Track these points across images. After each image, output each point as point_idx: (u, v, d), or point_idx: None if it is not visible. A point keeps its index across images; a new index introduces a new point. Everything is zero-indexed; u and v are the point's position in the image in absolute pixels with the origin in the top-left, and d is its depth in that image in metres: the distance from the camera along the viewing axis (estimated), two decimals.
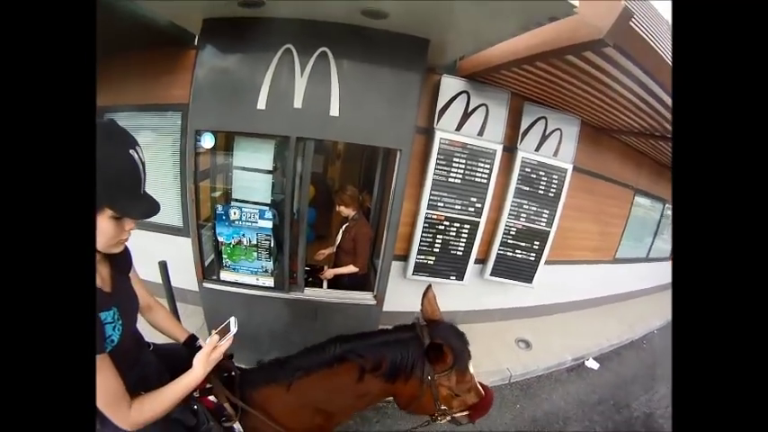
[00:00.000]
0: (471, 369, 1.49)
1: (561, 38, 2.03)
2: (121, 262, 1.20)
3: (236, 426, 1.41)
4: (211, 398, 1.42)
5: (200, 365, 1.20)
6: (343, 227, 3.12)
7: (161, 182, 3.64)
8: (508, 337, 4.17)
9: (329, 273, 3.07)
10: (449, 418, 1.55)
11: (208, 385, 1.46)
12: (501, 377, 3.63)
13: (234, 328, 1.29)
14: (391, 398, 1.54)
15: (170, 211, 3.66)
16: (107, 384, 1.00)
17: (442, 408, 1.48)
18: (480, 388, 1.53)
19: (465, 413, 1.55)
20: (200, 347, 1.45)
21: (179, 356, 1.40)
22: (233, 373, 1.46)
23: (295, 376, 1.41)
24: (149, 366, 1.29)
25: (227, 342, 1.25)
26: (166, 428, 1.27)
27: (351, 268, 3.01)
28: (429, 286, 1.63)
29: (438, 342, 1.37)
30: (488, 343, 3.95)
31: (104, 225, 0.94)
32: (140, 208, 0.98)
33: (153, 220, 3.59)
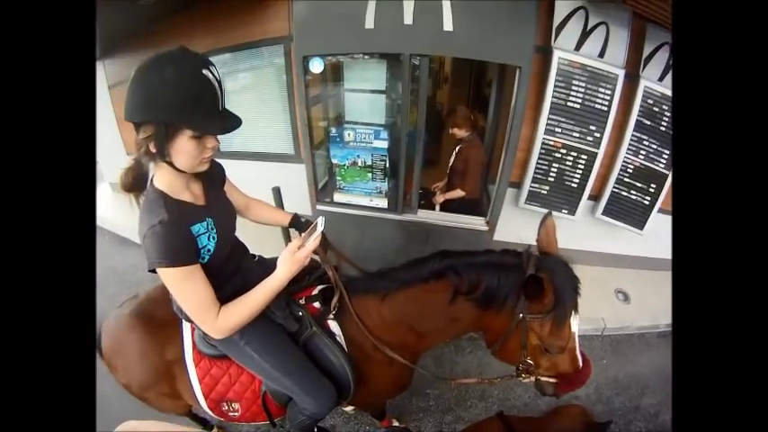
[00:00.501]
0: (574, 327, 1.29)
1: None
2: (214, 177, 1.25)
3: (337, 330, 1.45)
4: (316, 304, 1.47)
5: (283, 265, 1.17)
6: (457, 148, 3.08)
7: (269, 114, 3.75)
8: (608, 285, 3.93)
9: (439, 198, 3.08)
10: (533, 378, 1.39)
11: (314, 292, 1.52)
12: (595, 327, 3.47)
13: (321, 227, 1.23)
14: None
15: (281, 140, 3.77)
16: (196, 293, 1.06)
17: (528, 360, 1.33)
18: (579, 357, 1.33)
19: (552, 380, 1.37)
20: (307, 222, 1.49)
21: None
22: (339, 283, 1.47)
23: (391, 288, 1.41)
24: (251, 273, 1.32)
25: (314, 242, 1.20)
26: (269, 333, 1.35)
27: (458, 192, 2.99)
28: (548, 213, 1.43)
29: (540, 276, 1.20)
30: (588, 288, 3.70)
31: (185, 146, 0.99)
32: (219, 124, 1.01)
33: (264, 149, 3.79)
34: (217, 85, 0.98)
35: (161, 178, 1.07)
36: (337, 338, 1.45)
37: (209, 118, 0.98)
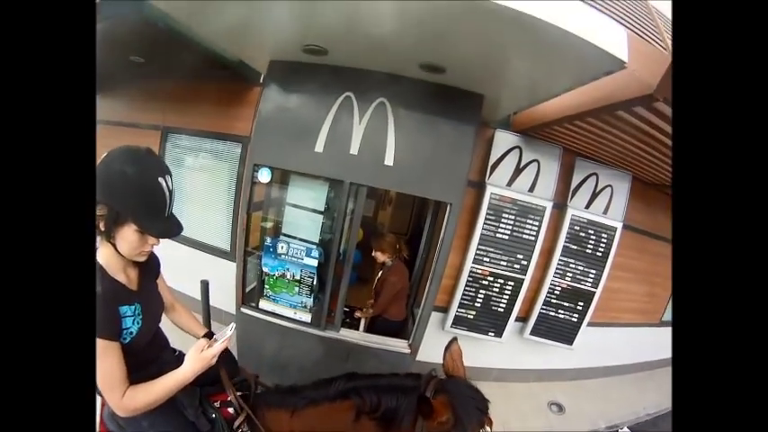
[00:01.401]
0: None
1: (612, 94, 2.02)
2: (150, 268, 1.32)
3: None
4: (230, 409, 1.45)
5: (189, 361, 1.23)
6: (380, 272, 3.17)
7: (216, 205, 3.80)
8: (541, 399, 3.96)
9: (357, 314, 3.15)
10: None
11: (229, 398, 1.49)
12: None
13: (230, 332, 1.32)
14: None
15: (219, 234, 3.81)
16: (110, 369, 1.09)
17: None
18: None
19: None
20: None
21: None
22: (251, 393, 1.50)
23: (299, 405, 1.42)
24: (167, 366, 1.32)
25: (222, 344, 1.29)
26: (177, 427, 1.34)
27: (369, 312, 3.08)
28: (454, 339, 1.52)
29: (427, 396, 1.26)
30: (519, 404, 3.76)
31: (129, 236, 1.09)
32: (160, 228, 1.12)
33: (202, 240, 3.79)
34: (168, 194, 1.10)
35: (103, 254, 1.13)
36: None
37: (153, 220, 1.10)
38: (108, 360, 1.09)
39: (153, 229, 1.11)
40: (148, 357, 1.28)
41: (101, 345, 1.05)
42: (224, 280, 3.04)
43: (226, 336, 1.31)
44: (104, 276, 1.12)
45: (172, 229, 1.14)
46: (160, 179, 1.08)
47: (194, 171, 3.97)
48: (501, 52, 1.85)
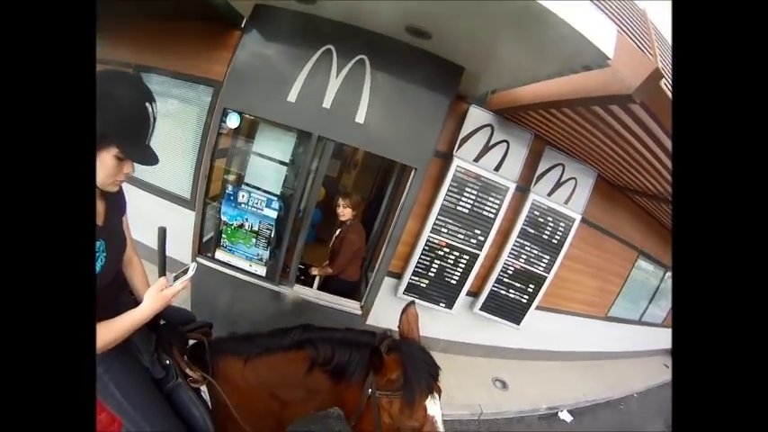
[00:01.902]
0: (431, 410, 1.28)
1: (591, 88, 2.06)
2: (117, 203, 1.29)
3: (203, 388, 1.44)
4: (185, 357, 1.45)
5: (149, 299, 1.22)
6: (338, 231, 3.17)
7: (179, 152, 3.68)
8: (486, 374, 4.12)
9: (313, 270, 3.15)
10: None
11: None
12: (471, 412, 3.57)
13: (191, 272, 1.30)
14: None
15: (181, 182, 3.70)
16: None
17: None
18: None
19: None
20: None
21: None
22: (205, 341, 1.48)
23: (253, 353, 1.42)
24: (125, 306, 1.30)
25: (181, 284, 1.27)
26: (133, 372, 1.33)
27: (327, 270, 3.08)
28: (411, 303, 1.53)
29: (381, 350, 1.28)
30: (464, 376, 3.91)
31: (108, 161, 1.04)
32: (143, 154, 1.09)
33: (162, 186, 3.68)
34: (152, 121, 1.07)
35: None
36: (202, 394, 1.42)
37: (136, 145, 1.06)
38: None
39: (135, 154, 1.07)
40: (108, 297, 1.26)
41: None
42: (182, 229, 2.96)
43: (186, 275, 1.29)
44: None
45: (151, 157, 1.10)
46: (147, 104, 1.05)
47: (161, 116, 3.82)
48: (491, 29, 1.85)
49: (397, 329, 1.51)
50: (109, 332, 1.15)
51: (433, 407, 1.30)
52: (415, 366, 1.29)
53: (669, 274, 6.23)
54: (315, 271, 3.17)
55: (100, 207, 1.20)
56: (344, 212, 3.09)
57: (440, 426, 1.31)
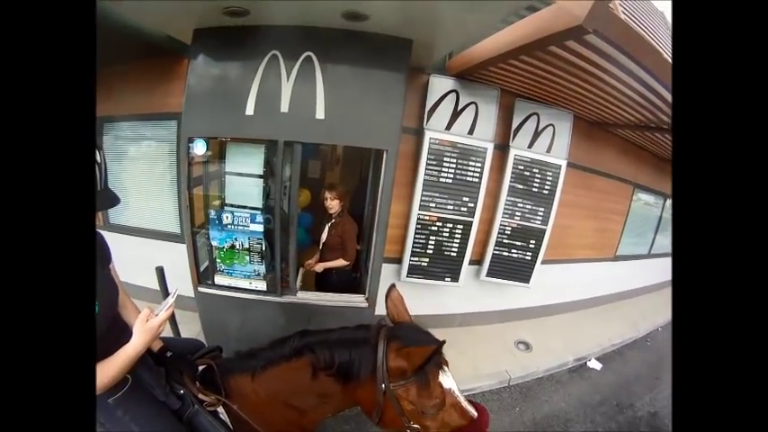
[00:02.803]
0: (446, 383, 1.30)
1: (543, 29, 2.04)
2: (101, 254, 1.29)
3: (221, 409, 1.45)
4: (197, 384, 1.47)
5: (136, 332, 1.24)
6: (329, 224, 3.17)
7: (159, 190, 3.69)
8: (507, 339, 4.13)
9: (319, 266, 3.13)
10: None
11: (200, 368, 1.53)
12: (500, 380, 3.57)
13: (172, 299, 1.32)
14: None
15: (168, 219, 3.71)
16: None
17: (414, 426, 1.30)
18: (469, 408, 1.31)
19: None
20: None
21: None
22: (213, 365, 1.49)
23: (258, 367, 1.43)
24: None
25: (166, 312, 1.29)
26: (150, 408, 1.37)
27: (341, 261, 3.08)
28: (391, 286, 1.52)
29: (401, 346, 1.28)
30: (486, 346, 3.91)
31: None
32: (99, 202, 1.08)
33: (151, 227, 3.70)
34: (98, 167, 1.05)
35: None
36: (221, 416, 1.43)
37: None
38: None
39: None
40: (109, 343, 1.26)
41: None
42: (179, 264, 2.98)
43: (168, 303, 1.31)
44: None
45: (110, 199, 1.12)
46: None
47: (136, 161, 3.83)
48: None
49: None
50: (104, 371, 1.17)
51: (447, 380, 1.31)
52: (416, 345, 1.29)
53: (670, 201, 6.23)
54: (322, 266, 3.15)
55: None
56: (332, 205, 3.09)
57: (459, 394, 1.32)
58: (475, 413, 1.33)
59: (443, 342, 1.29)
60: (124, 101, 3.60)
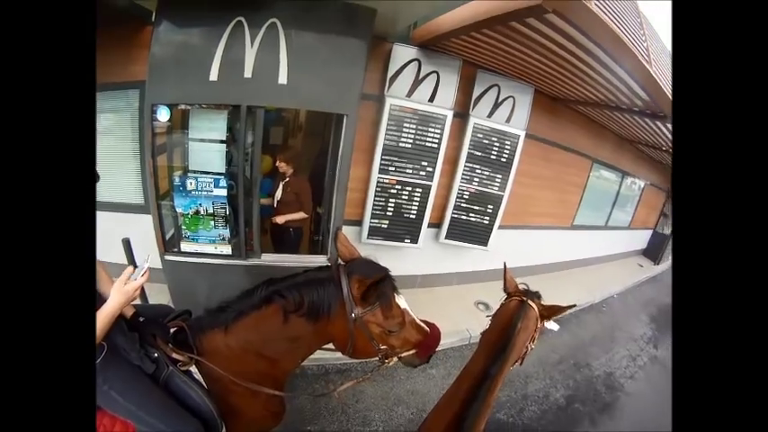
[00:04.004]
0: (402, 304, 1.50)
1: (504, 5, 2.13)
2: None
3: (194, 369, 1.51)
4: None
5: (114, 293, 1.27)
6: (282, 183, 3.26)
7: (122, 162, 3.62)
8: (467, 299, 4.34)
9: (280, 218, 3.22)
10: (396, 359, 1.56)
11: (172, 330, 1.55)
12: (460, 338, 3.78)
13: (147, 264, 1.37)
14: None
15: (131, 190, 3.65)
16: None
17: (382, 347, 1.49)
18: (423, 324, 1.55)
19: (412, 351, 1.55)
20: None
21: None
22: (185, 326, 1.52)
23: (230, 319, 1.48)
24: None
25: (143, 276, 1.33)
26: (128, 375, 1.39)
27: (300, 214, 3.22)
28: (337, 230, 1.72)
29: (362, 274, 1.43)
30: (447, 305, 4.13)
31: None
32: None
33: (116, 200, 3.63)
34: None
35: None
36: (194, 375, 1.49)
37: None
38: None
39: None
40: None
41: None
42: (146, 235, 2.99)
43: (144, 267, 1.34)
44: None
45: None
46: None
47: (100, 134, 3.73)
48: None
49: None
50: None
51: (402, 301, 1.52)
52: (375, 274, 1.44)
53: (631, 179, 6.56)
54: (283, 219, 3.25)
55: None
56: (283, 167, 3.20)
57: (413, 313, 1.53)
58: (427, 329, 1.55)
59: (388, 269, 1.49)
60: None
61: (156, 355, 1.45)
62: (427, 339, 1.55)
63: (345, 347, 1.51)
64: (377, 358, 1.55)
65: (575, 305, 1.60)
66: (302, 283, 1.47)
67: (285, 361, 1.59)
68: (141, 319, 1.48)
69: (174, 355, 1.44)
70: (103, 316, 1.24)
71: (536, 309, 1.53)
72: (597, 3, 2.79)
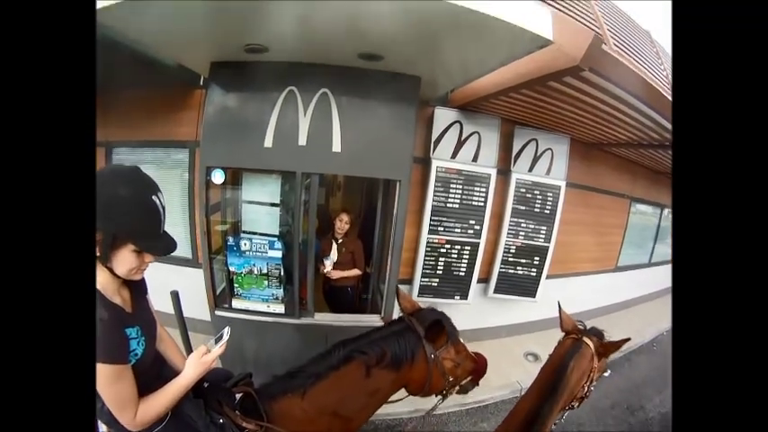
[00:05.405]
0: (461, 340, 1.69)
1: (542, 67, 2.21)
2: (138, 287, 1.32)
3: None
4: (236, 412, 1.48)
5: (191, 366, 1.28)
6: (336, 244, 3.30)
7: (170, 217, 3.77)
8: (516, 351, 4.23)
9: (336, 273, 3.22)
10: (457, 387, 1.72)
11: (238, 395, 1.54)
12: (511, 390, 3.67)
13: (227, 336, 1.38)
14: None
15: (179, 244, 3.77)
16: (125, 391, 1.12)
17: (451, 380, 1.63)
18: (472, 354, 1.74)
19: (468, 379, 1.73)
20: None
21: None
22: (252, 391, 1.52)
23: (308, 383, 1.47)
24: (168, 380, 1.36)
25: (219, 348, 1.34)
26: None
27: (356, 271, 3.24)
28: (396, 287, 1.89)
29: (437, 320, 1.57)
30: (497, 359, 3.96)
31: (127, 256, 1.08)
32: (160, 245, 1.12)
33: None
34: (161, 210, 1.10)
35: (98, 279, 1.09)
36: None
37: (152, 238, 1.09)
38: (122, 383, 1.10)
39: (153, 248, 1.11)
40: (153, 375, 1.30)
41: (114, 370, 1.06)
42: (192, 288, 3.07)
43: (223, 339, 1.36)
44: (104, 301, 1.09)
45: (170, 245, 1.14)
46: (154, 197, 1.07)
47: None
48: (432, 38, 1.96)
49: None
50: (157, 403, 1.20)
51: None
52: (445, 318, 1.64)
53: (666, 210, 6.39)
54: (338, 274, 3.26)
55: (126, 294, 1.23)
56: (344, 227, 3.24)
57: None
58: (476, 357, 1.74)
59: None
60: (131, 126, 3.68)
61: (221, 421, 1.42)
62: (479, 366, 1.75)
63: (423, 387, 1.62)
64: (440, 394, 1.70)
65: (629, 338, 1.66)
66: (380, 338, 1.57)
67: (358, 419, 1.61)
68: (205, 385, 1.47)
69: (244, 424, 1.42)
70: (177, 387, 1.25)
71: (592, 346, 1.59)
72: (617, 44, 2.85)
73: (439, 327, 1.59)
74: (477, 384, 1.80)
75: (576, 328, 1.72)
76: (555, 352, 1.66)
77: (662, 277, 6.79)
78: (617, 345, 1.64)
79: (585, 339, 1.62)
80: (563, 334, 1.78)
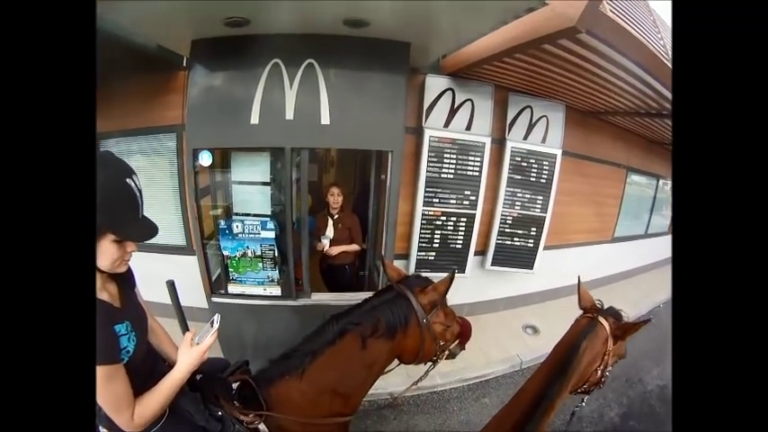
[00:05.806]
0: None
1: (536, 29, 2.11)
2: (126, 280, 1.26)
3: (261, 426, 1.44)
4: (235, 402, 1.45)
5: (182, 357, 1.24)
6: (332, 220, 3.24)
7: (159, 203, 3.70)
8: (515, 324, 4.23)
9: (335, 248, 3.17)
10: (446, 353, 1.71)
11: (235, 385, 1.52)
12: (512, 364, 3.67)
13: (217, 324, 1.31)
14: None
15: (172, 231, 3.71)
16: (118, 391, 1.07)
17: (441, 344, 1.62)
18: (458, 318, 1.73)
19: (456, 343, 1.72)
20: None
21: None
22: (249, 379, 1.49)
23: (305, 362, 1.44)
24: (163, 375, 1.30)
25: (210, 337, 1.28)
26: None
27: (354, 246, 3.20)
28: (382, 258, 1.94)
29: (425, 279, 1.63)
30: (496, 332, 4.02)
31: (107, 247, 1.02)
32: (139, 231, 1.06)
33: (156, 241, 3.72)
34: (138, 194, 1.03)
35: None
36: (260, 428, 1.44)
37: (131, 225, 1.03)
38: (115, 384, 1.05)
39: (132, 234, 1.05)
40: (146, 371, 1.25)
41: (105, 371, 1.01)
42: (188, 276, 3.01)
43: (213, 328, 1.30)
44: None
45: (151, 230, 1.08)
46: (128, 180, 1.00)
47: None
48: (421, 0, 1.89)
49: None
50: (153, 402, 1.15)
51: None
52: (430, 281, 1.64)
53: (663, 181, 6.38)
54: (337, 249, 3.21)
55: (113, 289, 1.18)
56: (338, 200, 3.18)
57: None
58: (461, 321, 1.73)
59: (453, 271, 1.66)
60: (116, 116, 3.52)
61: (220, 413, 1.40)
62: (464, 328, 1.72)
63: (416, 354, 1.60)
64: (430, 360, 1.70)
65: (649, 319, 1.57)
66: (372, 307, 1.54)
67: (357, 394, 1.59)
68: (198, 376, 1.43)
69: (242, 417, 1.39)
70: (172, 382, 1.21)
71: (607, 328, 1.48)
72: (613, 10, 2.78)
73: (428, 284, 1.60)
74: (464, 348, 1.79)
75: (594, 307, 1.62)
76: (570, 331, 1.57)
77: (659, 248, 6.82)
78: (635, 326, 1.50)
79: (601, 319, 1.52)
80: (580, 312, 1.68)
